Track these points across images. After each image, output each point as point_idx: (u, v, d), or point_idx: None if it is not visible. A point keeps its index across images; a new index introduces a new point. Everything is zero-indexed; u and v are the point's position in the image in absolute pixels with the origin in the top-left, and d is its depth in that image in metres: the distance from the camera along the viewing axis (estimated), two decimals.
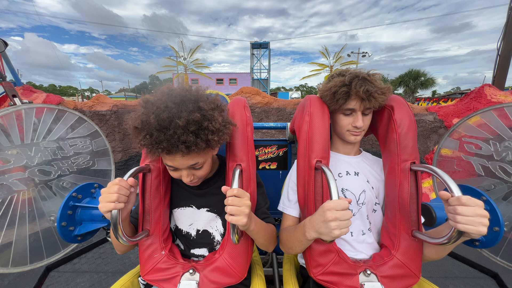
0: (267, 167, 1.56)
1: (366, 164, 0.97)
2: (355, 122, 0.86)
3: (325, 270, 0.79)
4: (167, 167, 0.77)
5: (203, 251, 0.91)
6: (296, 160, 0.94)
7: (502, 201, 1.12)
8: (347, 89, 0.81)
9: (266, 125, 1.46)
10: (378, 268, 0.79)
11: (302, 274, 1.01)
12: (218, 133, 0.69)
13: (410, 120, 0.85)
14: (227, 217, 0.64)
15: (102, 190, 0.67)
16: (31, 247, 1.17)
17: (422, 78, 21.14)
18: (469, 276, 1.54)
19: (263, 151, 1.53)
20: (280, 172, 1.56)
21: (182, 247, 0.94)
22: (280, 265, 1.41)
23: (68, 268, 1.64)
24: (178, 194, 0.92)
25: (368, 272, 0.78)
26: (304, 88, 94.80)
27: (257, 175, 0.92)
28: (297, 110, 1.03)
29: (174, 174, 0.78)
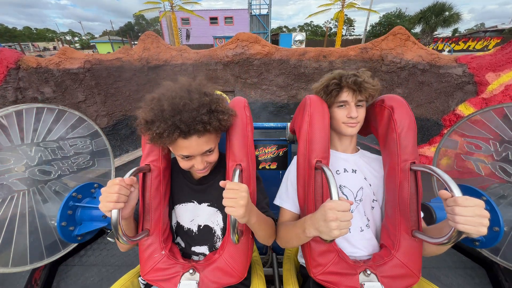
0: (267, 167, 1.56)
1: (363, 161, 0.98)
2: (350, 113, 0.89)
3: (325, 270, 0.79)
4: (179, 159, 0.80)
5: (204, 249, 0.92)
6: (296, 156, 0.95)
7: (502, 201, 1.12)
8: (337, 81, 0.89)
9: (266, 125, 1.47)
10: (378, 268, 0.79)
11: (302, 274, 1.02)
12: (227, 113, 0.77)
13: (410, 120, 0.85)
14: (226, 209, 0.65)
15: (102, 190, 0.68)
16: (31, 247, 1.17)
17: (447, 13, 16.97)
18: (460, 266, 1.53)
19: (263, 151, 1.53)
20: (280, 172, 1.56)
21: (182, 245, 0.94)
22: (280, 265, 1.41)
23: (76, 262, 1.64)
24: (179, 191, 0.93)
25: (368, 272, 0.78)
26: (310, 27, 72.82)
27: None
28: (297, 110, 1.03)
29: (186, 164, 0.79)
